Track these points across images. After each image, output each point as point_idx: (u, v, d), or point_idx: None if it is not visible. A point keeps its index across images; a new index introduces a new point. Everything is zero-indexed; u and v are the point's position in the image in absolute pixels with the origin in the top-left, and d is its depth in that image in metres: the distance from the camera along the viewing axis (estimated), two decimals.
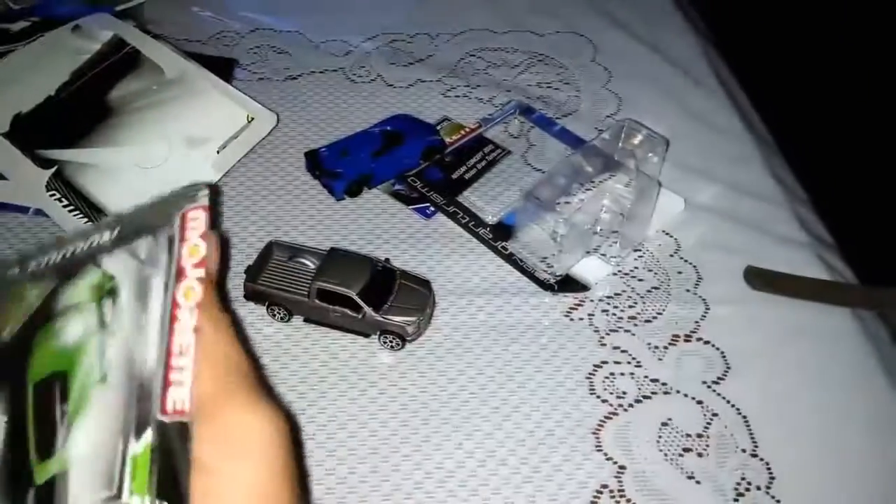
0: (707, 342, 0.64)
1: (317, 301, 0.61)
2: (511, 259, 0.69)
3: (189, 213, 0.33)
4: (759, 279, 0.68)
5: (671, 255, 0.70)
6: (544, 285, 0.67)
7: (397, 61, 0.88)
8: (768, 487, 0.55)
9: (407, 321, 0.61)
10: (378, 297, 0.61)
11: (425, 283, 0.64)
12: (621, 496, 0.55)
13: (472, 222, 0.72)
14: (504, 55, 0.90)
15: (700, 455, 0.57)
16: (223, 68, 0.84)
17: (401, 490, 0.55)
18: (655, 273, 0.69)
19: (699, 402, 0.60)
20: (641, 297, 0.67)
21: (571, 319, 0.65)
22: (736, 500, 0.55)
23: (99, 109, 0.75)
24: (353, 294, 0.61)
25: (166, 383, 0.30)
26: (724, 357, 0.63)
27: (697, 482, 0.56)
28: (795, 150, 0.87)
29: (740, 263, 0.69)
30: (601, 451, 0.57)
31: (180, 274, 0.32)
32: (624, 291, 0.67)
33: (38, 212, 0.71)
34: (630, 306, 0.66)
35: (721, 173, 0.78)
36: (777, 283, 0.67)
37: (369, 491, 0.55)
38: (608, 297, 0.67)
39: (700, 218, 0.73)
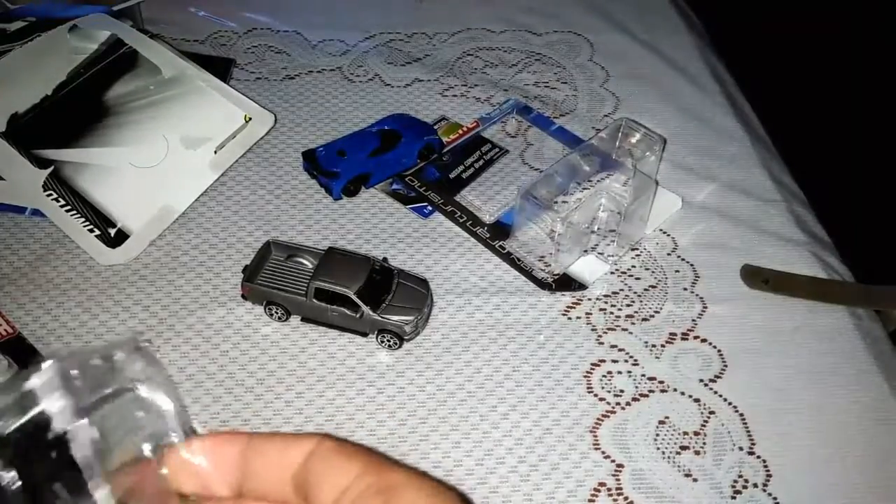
0: (704, 340, 0.64)
1: (314, 300, 0.62)
2: (509, 258, 0.69)
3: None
4: (756, 277, 0.68)
5: (668, 254, 0.70)
6: (542, 284, 0.67)
7: (395, 61, 0.88)
8: (765, 485, 0.56)
9: (405, 320, 0.61)
10: (376, 297, 0.61)
11: (423, 283, 0.64)
12: (619, 494, 0.55)
13: (470, 221, 0.72)
14: (501, 54, 0.90)
15: (697, 453, 0.57)
16: (221, 68, 0.84)
17: None
18: (652, 272, 0.69)
19: (696, 400, 0.60)
20: (639, 296, 0.67)
21: (569, 318, 0.65)
22: (733, 497, 0.55)
23: (96, 109, 0.75)
24: (350, 293, 0.61)
25: None
26: (720, 355, 0.63)
27: (694, 480, 0.56)
28: (792, 148, 0.88)
29: (737, 262, 0.69)
30: (599, 449, 0.57)
31: None
32: (621, 290, 0.67)
33: (36, 212, 0.71)
34: (627, 305, 0.66)
35: (718, 172, 0.78)
36: (773, 281, 0.68)
37: None
38: (605, 296, 0.67)
39: (697, 217, 0.73)
